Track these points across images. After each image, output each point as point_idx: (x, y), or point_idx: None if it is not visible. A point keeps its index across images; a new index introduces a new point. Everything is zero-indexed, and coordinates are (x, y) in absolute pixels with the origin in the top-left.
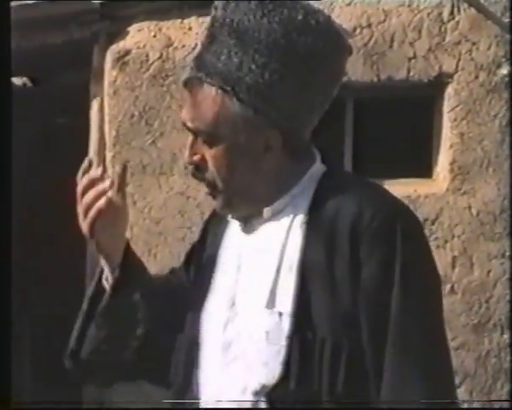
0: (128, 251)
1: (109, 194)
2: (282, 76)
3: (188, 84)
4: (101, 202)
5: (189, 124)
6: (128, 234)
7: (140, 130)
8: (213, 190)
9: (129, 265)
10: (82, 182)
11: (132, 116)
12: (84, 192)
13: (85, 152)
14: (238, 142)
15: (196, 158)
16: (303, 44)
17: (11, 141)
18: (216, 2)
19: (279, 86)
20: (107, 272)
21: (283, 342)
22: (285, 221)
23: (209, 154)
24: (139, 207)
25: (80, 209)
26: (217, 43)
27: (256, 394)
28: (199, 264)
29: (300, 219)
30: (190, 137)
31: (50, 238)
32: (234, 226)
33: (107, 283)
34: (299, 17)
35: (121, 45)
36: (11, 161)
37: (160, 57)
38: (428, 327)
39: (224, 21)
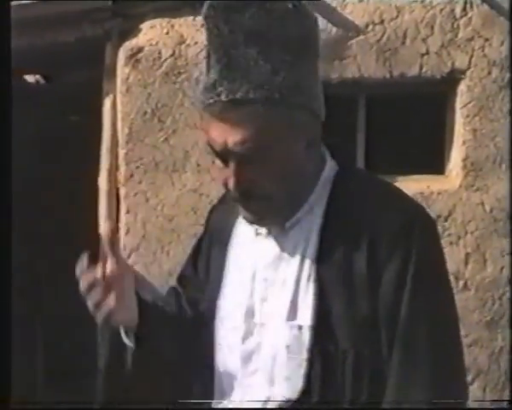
0: (141, 307)
1: (115, 277)
2: (306, 66)
3: (214, 110)
4: (111, 299)
5: (236, 149)
6: (141, 231)
7: (153, 127)
8: (263, 206)
9: (145, 321)
10: (84, 280)
11: (145, 113)
12: (90, 288)
13: (98, 149)
14: (288, 147)
15: (247, 183)
16: (306, 30)
17: (11, 141)
18: (211, 23)
19: (309, 76)
20: (123, 331)
21: (304, 356)
22: (303, 229)
23: (261, 171)
24: (152, 204)
25: (90, 303)
26: (237, 58)
27: (279, 407)
28: (208, 261)
29: (317, 227)
30: (233, 164)
31: (63, 238)
32: (245, 230)
33: (127, 336)
34: (290, 6)
35: (134, 43)
36: (11, 161)
37: (173, 54)
38: (438, 327)
39: (234, 35)
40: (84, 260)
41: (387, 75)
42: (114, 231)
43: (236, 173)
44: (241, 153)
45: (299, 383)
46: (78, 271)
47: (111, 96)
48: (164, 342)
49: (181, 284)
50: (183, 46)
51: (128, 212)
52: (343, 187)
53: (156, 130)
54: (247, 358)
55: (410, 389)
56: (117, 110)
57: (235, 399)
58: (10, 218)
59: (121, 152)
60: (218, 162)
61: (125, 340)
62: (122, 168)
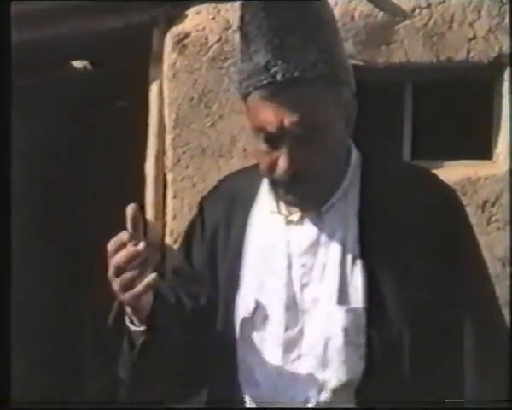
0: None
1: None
2: (340, 44)
3: (267, 92)
4: (151, 278)
5: (292, 129)
6: (188, 216)
7: (199, 112)
8: (310, 188)
9: (156, 308)
10: (119, 257)
11: (192, 99)
12: (128, 263)
13: (145, 135)
14: (335, 126)
15: (300, 164)
16: (330, 12)
17: (11, 140)
18: (256, 7)
19: (345, 55)
20: (131, 319)
21: (362, 338)
22: (339, 214)
23: (313, 152)
24: (198, 189)
25: (123, 280)
26: (289, 38)
27: (336, 391)
28: (214, 253)
29: (354, 211)
30: (287, 145)
31: (110, 226)
32: (267, 221)
33: (133, 325)
34: None
35: (180, 28)
36: (11, 161)
37: (219, 40)
38: (495, 314)
39: (284, 16)
40: (124, 235)
41: (434, 60)
42: (138, 212)
43: (290, 154)
44: (297, 133)
45: (358, 366)
46: (113, 245)
47: (158, 81)
48: (171, 332)
49: (175, 278)
50: (229, 31)
51: (175, 197)
52: (374, 171)
53: (203, 115)
54: (290, 346)
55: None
56: (164, 96)
57: (275, 387)
58: (10, 218)
59: (168, 137)
60: (263, 146)
61: (130, 325)
62: (169, 153)
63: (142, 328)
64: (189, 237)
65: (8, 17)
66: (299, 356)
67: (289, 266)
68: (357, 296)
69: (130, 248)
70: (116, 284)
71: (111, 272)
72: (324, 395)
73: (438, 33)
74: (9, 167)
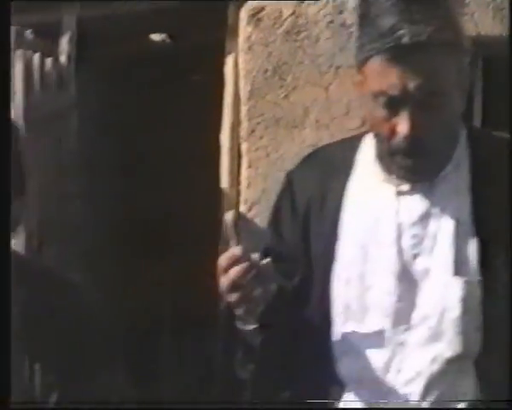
0: None
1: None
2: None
3: (391, 55)
4: (271, 289)
5: (416, 93)
6: (261, 185)
7: (273, 84)
8: (426, 160)
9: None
10: (234, 273)
11: (266, 71)
12: (240, 281)
13: (220, 106)
14: (454, 92)
15: (421, 131)
16: None
17: (11, 138)
18: None
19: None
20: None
21: (478, 309)
22: (451, 185)
23: (435, 119)
24: (272, 159)
25: (236, 298)
26: (416, 3)
27: (450, 362)
28: (306, 227)
29: (466, 183)
30: (409, 110)
31: (185, 196)
32: (375, 192)
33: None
34: None
35: (255, 2)
36: (10, 161)
37: (293, 13)
38: None
39: None
40: (236, 250)
41: (504, 33)
42: (238, 219)
43: (411, 119)
44: (419, 98)
45: (474, 337)
46: (226, 261)
47: (233, 54)
48: (279, 322)
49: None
50: (303, 5)
51: (249, 166)
52: (483, 146)
53: (277, 87)
54: (400, 317)
55: None
56: (239, 68)
57: (381, 359)
58: (9, 217)
59: (243, 108)
60: (381, 112)
61: (242, 326)
62: (244, 124)
63: (256, 326)
64: (277, 213)
65: (8, 17)
66: (410, 327)
67: (399, 237)
68: (473, 268)
69: (245, 265)
70: (232, 298)
71: (226, 287)
72: (437, 367)
73: (507, 6)
74: (9, 166)
